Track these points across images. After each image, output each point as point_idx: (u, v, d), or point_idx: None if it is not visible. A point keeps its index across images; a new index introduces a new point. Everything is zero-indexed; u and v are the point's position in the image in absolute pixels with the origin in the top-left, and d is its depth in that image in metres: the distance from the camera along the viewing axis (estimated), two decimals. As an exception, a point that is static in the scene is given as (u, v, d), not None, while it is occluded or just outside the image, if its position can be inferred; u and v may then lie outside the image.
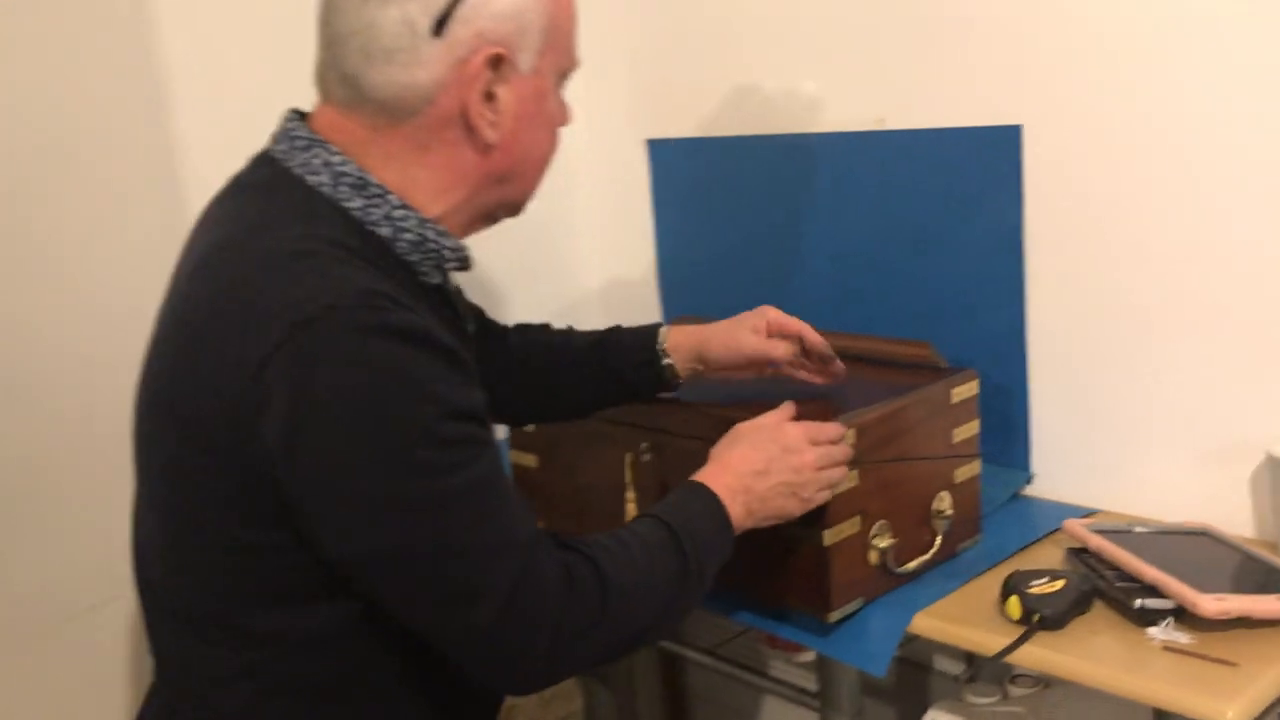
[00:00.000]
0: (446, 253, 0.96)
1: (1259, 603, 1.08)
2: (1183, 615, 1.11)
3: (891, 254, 1.56)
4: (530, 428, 1.44)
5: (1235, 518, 1.32)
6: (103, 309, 1.41)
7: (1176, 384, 1.35)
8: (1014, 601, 1.15)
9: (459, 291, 1.08)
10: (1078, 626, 1.14)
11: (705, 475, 1.08)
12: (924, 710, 1.38)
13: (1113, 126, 1.34)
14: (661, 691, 2.01)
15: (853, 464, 1.16)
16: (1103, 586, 1.17)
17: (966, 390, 1.30)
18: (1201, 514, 1.35)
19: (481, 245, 1.05)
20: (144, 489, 0.96)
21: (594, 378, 1.25)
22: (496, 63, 0.92)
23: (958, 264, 1.49)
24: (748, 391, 1.27)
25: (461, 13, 0.90)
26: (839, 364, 1.25)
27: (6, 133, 1.32)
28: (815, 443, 1.10)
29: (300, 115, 0.97)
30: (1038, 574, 1.17)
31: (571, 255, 1.94)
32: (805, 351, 1.25)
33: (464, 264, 0.99)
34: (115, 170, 1.42)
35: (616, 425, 1.31)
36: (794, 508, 1.10)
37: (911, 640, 1.21)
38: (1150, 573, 1.14)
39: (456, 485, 0.84)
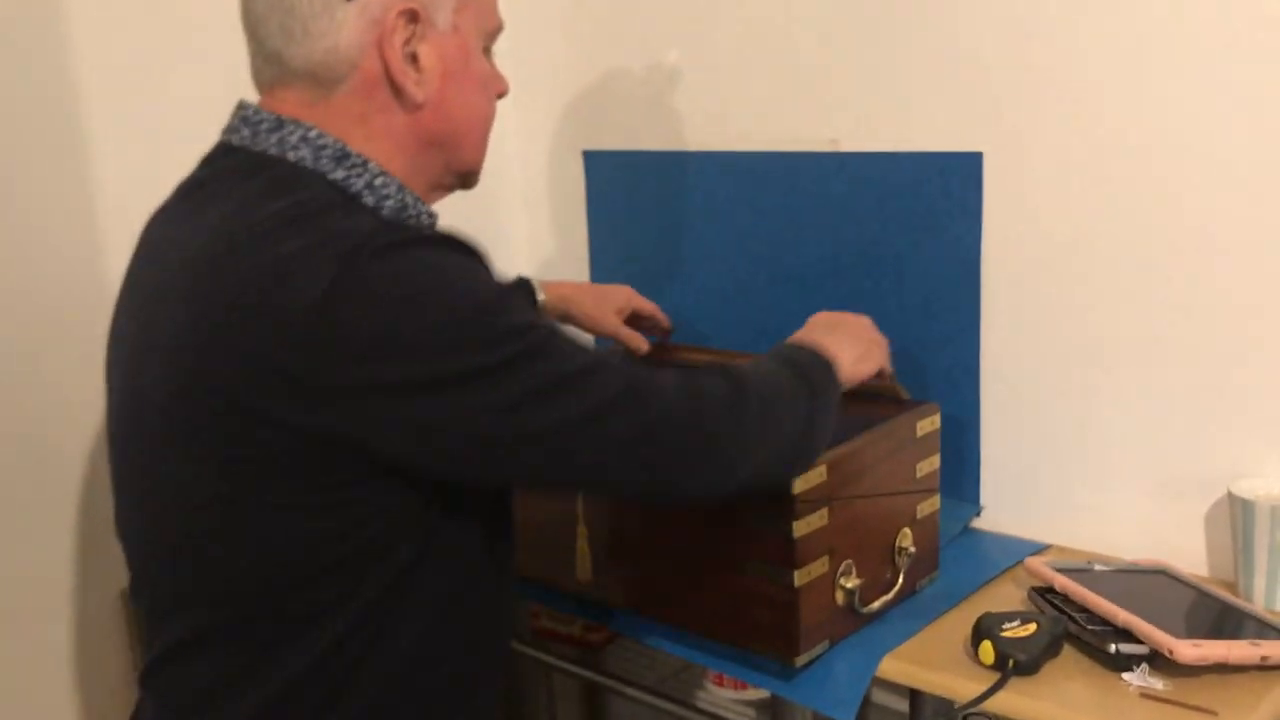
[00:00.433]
0: (425, 218, 0.98)
1: (1234, 649, 1.06)
2: (1156, 660, 1.09)
3: (842, 280, 1.52)
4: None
5: (1188, 555, 1.32)
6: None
7: (1131, 419, 1.34)
8: (987, 646, 1.11)
9: None
10: (1050, 671, 1.11)
11: (804, 340, 1.13)
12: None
13: (1075, 157, 1.32)
14: (583, 724, 1.93)
15: (823, 501, 1.12)
16: (1074, 630, 1.14)
17: (929, 424, 1.26)
18: (1153, 550, 1.34)
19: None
20: (146, 494, 0.93)
21: None
22: (412, 18, 0.93)
23: (912, 293, 1.46)
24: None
25: None
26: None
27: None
28: None
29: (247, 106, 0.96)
30: (1008, 616, 1.14)
31: (502, 267, 1.85)
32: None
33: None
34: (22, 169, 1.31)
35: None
36: (870, 367, 1.18)
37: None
38: (1122, 615, 1.11)
39: (541, 334, 0.87)
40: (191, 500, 0.88)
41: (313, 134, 0.92)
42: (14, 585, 1.34)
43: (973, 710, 1.07)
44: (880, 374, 1.22)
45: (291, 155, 0.91)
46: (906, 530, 1.24)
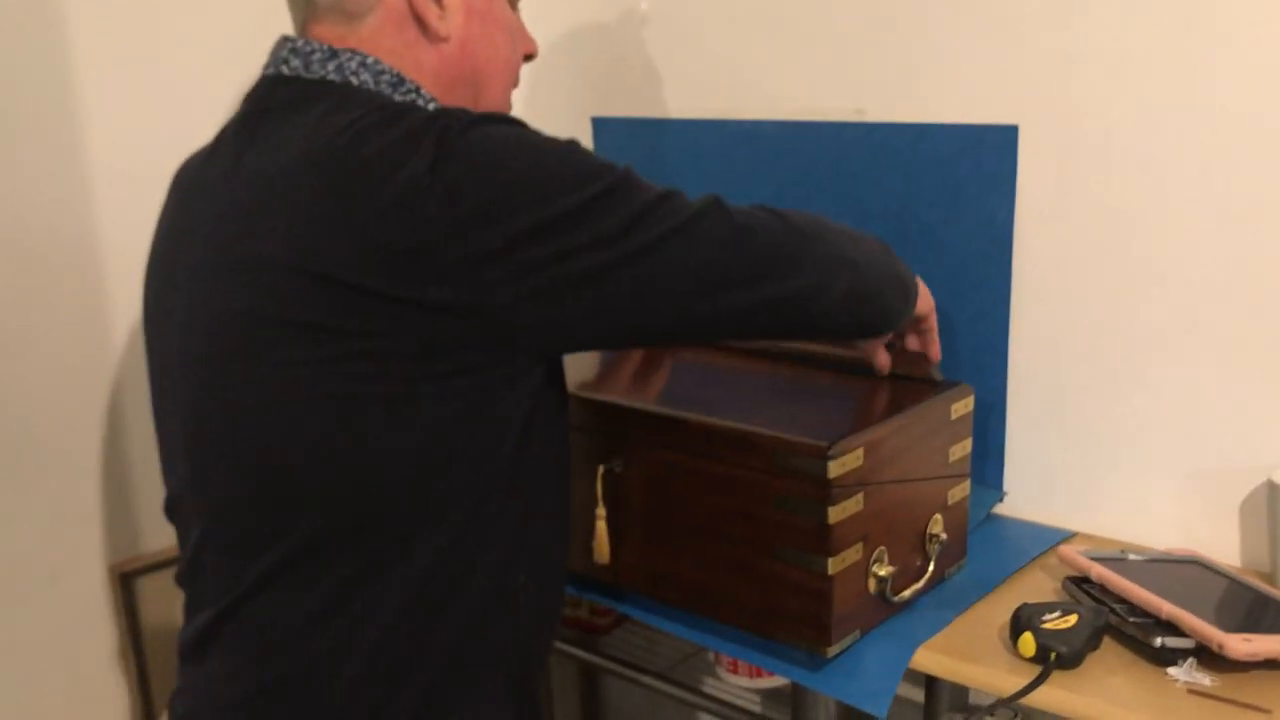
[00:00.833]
0: None
1: (1285, 644, 1.03)
2: (1202, 654, 1.05)
3: (865, 254, 1.46)
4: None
5: (1219, 545, 1.28)
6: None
7: (1166, 404, 1.30)
8: (1027, 638, 1.07)
9: None
10: (1092, 665, 1.07)
11: None
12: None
13: (1116, 131, 1.27)
14: (581, 708, 1.89)
15: (858, 485, 1.07)
16: (1114, 622, 1.10)
17: (963, 407, 1.22)
18: (1183, 540, 1.31)
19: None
20: (235, 422, 0.90)
21: None
22: None
23: (939, 270, 1.41)
24: (730, 401, 1.17)
25: None
26: None
27: None
28: None
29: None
30: (1048, 607, 1.10)
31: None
32: None
33: None
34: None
35: (583, 434, 1.19)
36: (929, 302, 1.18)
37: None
38: (1167, 608, 1.07)
39: (621, 169, 0.91)
40: (298, 409, 0.87)
41: (370, 60, 0.94)
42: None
43: (1000, 704, 1.03)
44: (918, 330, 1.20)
45: (354, 80, 0.93)
46: (938, 516, 1.20)
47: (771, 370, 1.30)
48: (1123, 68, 1.26)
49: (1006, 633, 1.12)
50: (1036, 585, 1.23)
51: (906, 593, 1.16)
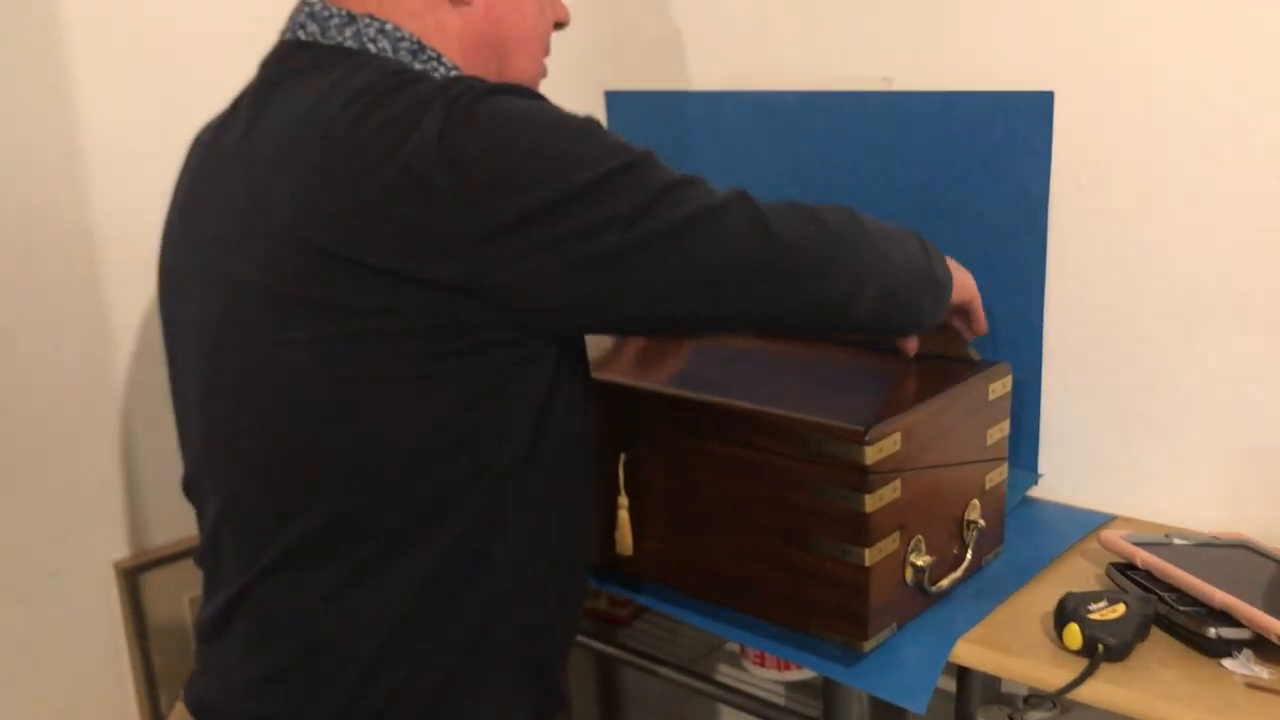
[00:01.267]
0: None
1: (1348, 634, 0.98)
2: (1259, 645, 1.00)
3: (893, 229, 1.41)
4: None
5: (1270, 527, 1.23)
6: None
7: (1210, 379, 1.24)
8: (1073, 630, 1.02)
9: None
10: (1141, 657, 1.02)
11: None
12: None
13: (1157, 97, 1.21)
14: (598, 696, 1.85)
15: (895, 472, 1.02)
16: (1164, 611, 1.05)
17: (1001, 386, 1.16)
18: (1230, 522, 1.25)
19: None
20: (253, 396, 0.87)
21: None
22: None
23: (971, 243, 1.35)
24: (757, 383, 1.12)
25: None
26: None
27: None
28: None
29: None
30: (1093, 596, 1.05)
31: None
32: None
33: None
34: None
35: (603, 419, 1.13)
36: (970, 290, 1.14)
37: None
38: (1220, 596, 1.02)
39: (640, 149, 0.86)
40: (304, 388, 0.85)
41: (389, 26, 0.90)
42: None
43: (1042, 696, 0.98)
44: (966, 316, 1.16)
45: (371, 47, 0.89)
46: (976, 502, 1.15)
47: (799, 350, 1.25)
48: (1162, 29, 1.20)
49: (1049, 623, 1.07)
50: (1078, 572, 1.18)
51: (944, 582, 1.11)
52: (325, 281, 0.81)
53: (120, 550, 1.33)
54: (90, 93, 1.23)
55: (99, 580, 1.32)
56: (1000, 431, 1.17)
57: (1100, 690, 0.98)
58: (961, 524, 1.14)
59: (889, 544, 1.03)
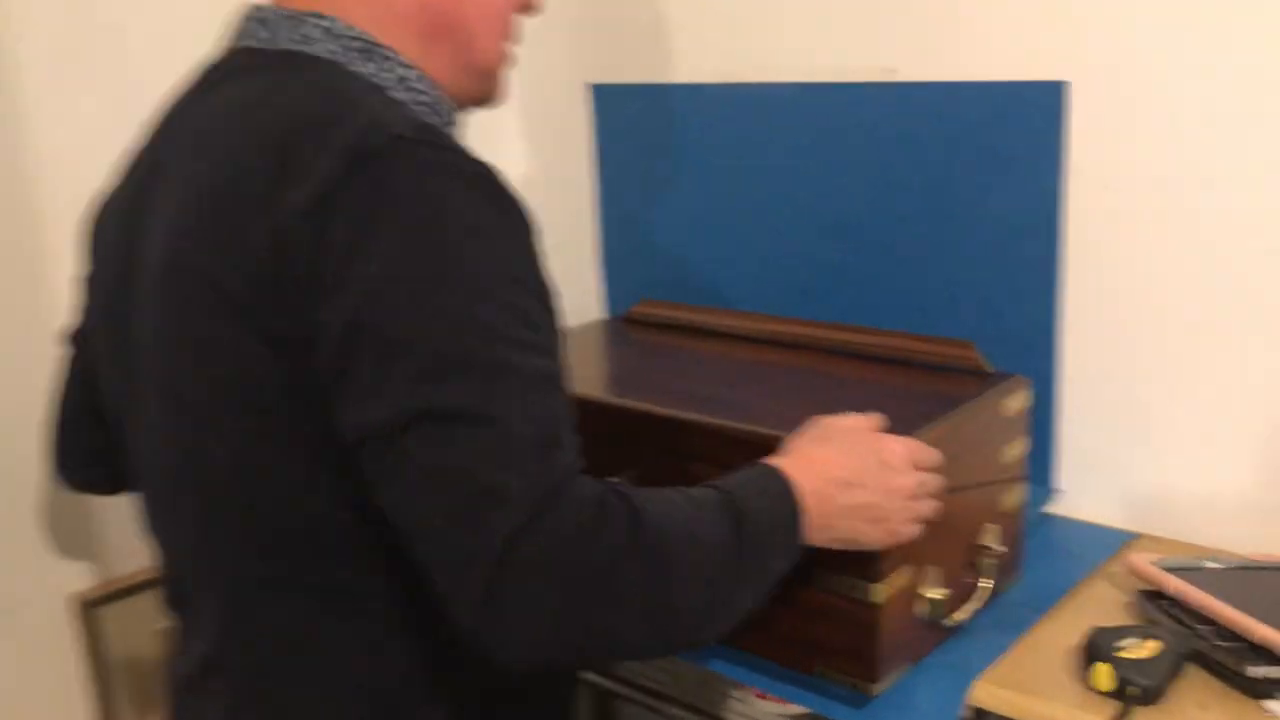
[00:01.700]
0: (453, 116, 0.91)
1: (1402, 673, 0.89)
2: (1305, 685, 0.92)
3: (898, 229, 1.33)
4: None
5: (1306, 547, 1.15)
6: None
7: (1240, 388, 1.16)
8: (1104, 670, 0.94)
9: None
10: (1176, 698, 0.94)
11: (783, 465, 0.86)
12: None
13: (1177, 87, 1.13)
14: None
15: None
16: (1202, 648, 0.97)
17: (1018, 400, 1.08)
18: (1265, 542, 1.17)
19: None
20: (173, 434, 0.82)
21: None
22: None
23: (979, 243, 1.27)
24: (758, 401, 1.03)
25: None
26: None
27: None
28: (917, 466, 0.90)
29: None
30: (1123, 632, 0.97)
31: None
32: None
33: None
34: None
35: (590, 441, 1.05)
36: (875, 537, 0.89)
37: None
38: (1260, 630, 0.94)
39: (527, 365, 0.72)
40: (218, 436, 0.79)
41: (338, 26, 0.83)
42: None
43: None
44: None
45: (318, 49, 0.83)
46: (992, 526, 1.06)
47: (802, 363, 1.17)
48: (1182, 16, 1.12)
49: (1073, 658, 0.99)
50: (1103, 600, 1.10)
51: (960, 614, 1.03)
52: (210, 318, 0.76)
53: (77, 582, 1.25)
54: (37, 104, 1.15)
55: (55, 614, 1.25)
56: (1017, 449, 1.09)
57: (1134, 737, 0.90)
58: (977, 550, 1.05)
59: (900, 578, 0.95)
